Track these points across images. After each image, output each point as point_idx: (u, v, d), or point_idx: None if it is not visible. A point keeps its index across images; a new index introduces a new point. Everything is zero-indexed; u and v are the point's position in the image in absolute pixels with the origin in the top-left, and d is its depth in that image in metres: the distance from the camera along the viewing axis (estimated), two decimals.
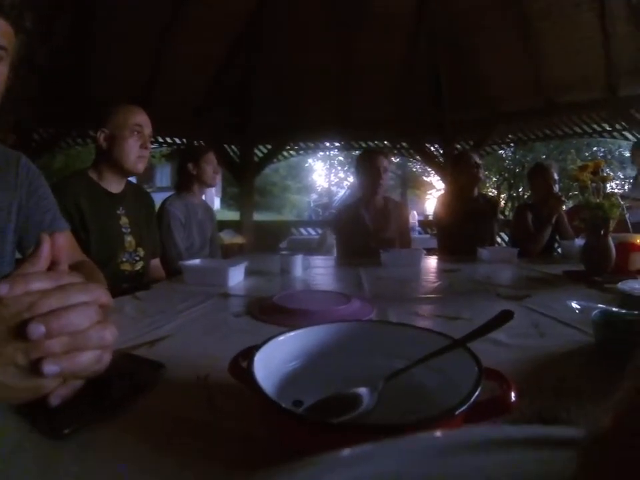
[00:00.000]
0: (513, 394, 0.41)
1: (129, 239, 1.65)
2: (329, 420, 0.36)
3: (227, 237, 4.92)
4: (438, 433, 0.19)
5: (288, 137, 5.55)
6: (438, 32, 4.41)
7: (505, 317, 0.59)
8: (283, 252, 1.85)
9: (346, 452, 0.17)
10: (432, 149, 5.34)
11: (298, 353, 0.56)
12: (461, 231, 2.47)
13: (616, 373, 0.17)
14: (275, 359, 0.52)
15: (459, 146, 5.15)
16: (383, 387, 0.46)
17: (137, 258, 1.68)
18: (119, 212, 1.64)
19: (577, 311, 0.86)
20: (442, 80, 4.66)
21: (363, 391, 0.45)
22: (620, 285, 0.84)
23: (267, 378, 0.48)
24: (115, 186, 1.65)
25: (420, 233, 4.46)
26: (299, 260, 1.71)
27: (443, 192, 2.87)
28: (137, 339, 0.80)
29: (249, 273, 1.59)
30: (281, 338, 0.54)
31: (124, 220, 1.65)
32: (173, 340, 0.81)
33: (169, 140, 5.45)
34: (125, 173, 1.64)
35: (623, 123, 4.49)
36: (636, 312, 0.73)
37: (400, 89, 4.79)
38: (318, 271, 1.85)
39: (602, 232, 1.54)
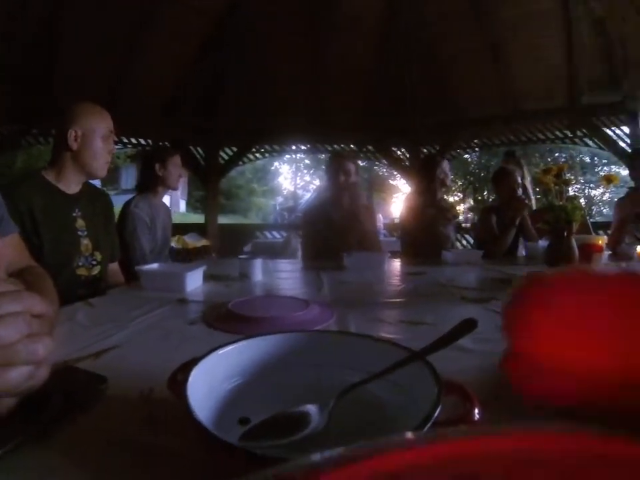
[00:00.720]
0: (476, 411, 0.38)
1: (85, 242, 1.54)
2: (255, 449, 0.32)
3: (192, 241, 4.78)
4: None
5: (254, 140, 5.46)
6: (408, 38, 4.43)
7: (468, 325, 0.54)
8: (243, 256, 1.78)
9: None
10: (398, 152, 5.36)
11: (245, 365, 0.52)
12: (425, 233, 2.46)
13: None
14: (219, 373, 0.49)
15: (425, 150, 5.20)
16: (334, 404, 0.43)
17: (94, 262, 1.57)
18: (74, 214, 1.53)
19: None
20: (409, 85, 4.69)
21: (312, 408, 0.42)
22: None
23: (209, 393, 0.46)
24: (72, 187, 1.54)
25: (385, 236, 4.46)
26: (258, 264, 1.64)
27: (408, 195, 2.86)
28: (84, 350, 0.74)
29: (208, 277, 1.54)
30: (223, 350, 0.50)
31: (80, 222, 1.54)
32: (121, 351, 0.76)
33: (134, 140, 5.26)
34: (89, 176, 1.57)
35: (584, 130, 4.64)
36: None
37: (368, 93, 4.80)
38: (279, 275, 1.78)
39: (565, 234, 1.54)
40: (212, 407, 0.46)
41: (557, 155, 13.55)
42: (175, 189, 2.39)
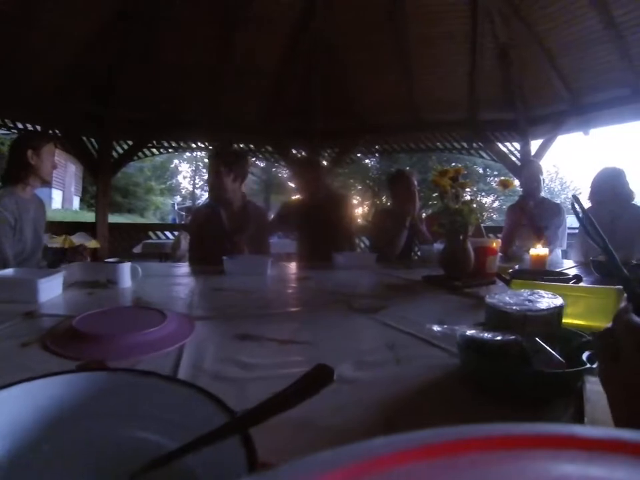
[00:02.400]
0: None
1: None
2: None
3: (80, 241, 4.23)
4: None
5: (151, 134, 4.98)
6: (318, 43, 4.34)
7: (320, 379, 0.36)
8: (110, 259, 1.51)
9: None
10: (298, 155, 5.22)
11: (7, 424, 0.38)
12: (315, 234, 2.34)
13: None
14: None
15: (326, 153, 5.17)
16: None
17: None
18: None
19: (439, 334, 0.68)
20: (313, 88, 4.59)
21: None
22: (488, 299, 0.67)
23: None
24: None
25: (280, 237, 4.32)
26: (126, 269, 1.40)
27: (294, 196, 2.76)
28: None
29: (72, 284, 1.36)
30: None
31: None
32: None
33: (20, 125, 4.46)
34: None
35: (480, 143, 4.92)
36: (503, 334, 0.57)
37: (271, 94, 4.63)
38: (151, 281, 1.49)
39: (461, 237, 1.47)
40: None
41: (453, 164, 14.53)
42: (48, 182, 2.08)
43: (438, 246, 2.13)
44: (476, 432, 0.13)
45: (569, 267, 2.09)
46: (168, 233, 5.21)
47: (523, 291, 0.70)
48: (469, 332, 0.58)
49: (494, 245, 1.68)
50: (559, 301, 0.62)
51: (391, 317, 0.95)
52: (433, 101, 4.55)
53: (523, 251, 2.26)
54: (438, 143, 5.12)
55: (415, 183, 2.51)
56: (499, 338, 0.55)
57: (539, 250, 1.65)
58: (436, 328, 0.63)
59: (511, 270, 1.46)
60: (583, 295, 0.90)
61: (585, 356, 0.54)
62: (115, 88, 4.41)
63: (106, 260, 1.52)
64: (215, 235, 2.08)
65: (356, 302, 1.11)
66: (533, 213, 2.67)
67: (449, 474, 0.12)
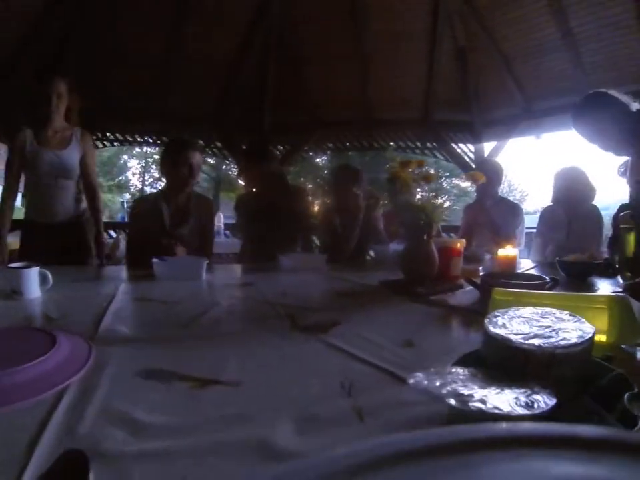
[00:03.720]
0: None
1: None
2: None
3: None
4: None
5: (96, 125, 4.48)
6: (273, 37, 4.12)
7: None
8: (15, 264, 1.20)
9: None
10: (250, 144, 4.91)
11: None
12: (266, 231, 2.11)
13: None
14: None
15: (279, 150, 4.89)
16: None
17: None
18: None
19: (420, 389, 0.46)
20: (267, 83, 4.35)
21: None
22: (490, 328, 0.45)
23: None
24: None
25: (227, 237, 4.05)
26: (33, 276, 1.13)
27: (241, 191, 2.51)
28: None
29: None
30: None
31: None
32: None
33: None
34: None
35: (434, 143, 4.87)
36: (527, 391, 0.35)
37: (224, 87, 4.33)
38: (65, 290, 1.18)
39: (425, 236, 1.29)
40: None
41: None
42: None
43: (394, 246, 1.96)
44: (476, 432, 0.13)
45: (529, 267, 1.97)
46: (112, 232, 4.73)
47: (528, 310, 0.51)
48: (475, 395, 0.36)
49: (459, 245, 1.52)
50: (588, 328, 0.43)
51: (345, 338, 0.74)
52: (388, 98, 4.44)
53: (483, 251, 2.14)
54: (391, 142, 4.94)
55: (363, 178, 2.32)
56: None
57: (507, 251, 1.50)
58: (412, 381, 0.40)
59: (482, 273, 1.28)
60: (584, 304, 0.74)
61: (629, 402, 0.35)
62: (55, 70, 3.95)
63: (10, 265, 1.20)
64: (154, 231, 1.79)
65: (302, 317, 0.89)
66: (491, 212, 2.57)
67: (450, 474, 0.12)
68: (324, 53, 4.16)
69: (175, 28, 3.89)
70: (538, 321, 0.47)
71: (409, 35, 3.97)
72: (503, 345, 0.43)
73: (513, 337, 0.42)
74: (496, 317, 0.50)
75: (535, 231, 2.66)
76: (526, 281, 1.13)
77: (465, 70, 4.11)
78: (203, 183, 14.62)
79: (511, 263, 1.49)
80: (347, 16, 3.88)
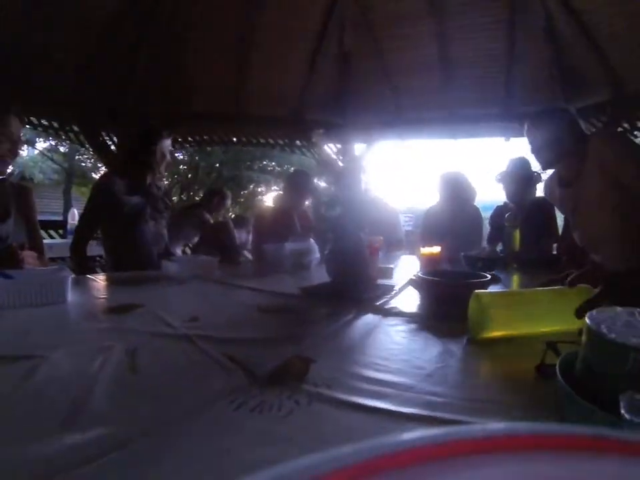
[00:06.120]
0: None
1: None
2: None
3: None
4: None
5: None
6: (145, 16, 3.56)
7: None
8: None
9: None
10: (107, 138, 4.17)
11: None
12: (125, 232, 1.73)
13: None
14: None
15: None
16: None
17: None
18: None
19: None
20: (138, 68, 3.76)
21: None
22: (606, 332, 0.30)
23: None
24: None
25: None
26: None
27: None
28: None
29: None
30: None
31: None
32: None
33: None
34: None
35: (304, 142, 4.80)
36: None
37: (88, 69, 3.58)
38: None
39: (361, 234, 1.08)
40: None
41: (264, 162, 14.00)
42: None
43: (292, 245, 1.76)
44: (478, 432, 0.13)
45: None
46: None
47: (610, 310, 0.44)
48: None
49: (378, 243, 1.38)
50: None
51: (345, 388, 0.47)
52: (265, 94, 4.21)
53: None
54: (260, 138, 4.80)
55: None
56: None
57: (432, 249, 1.39)
58: None
59: (417, 273, 1.12)
60: (557, 298, 0.76)
61: None
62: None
63: None
64: None
65: (250, 359, 0.57)
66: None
67: (450, 475, 0.12)
68: (200, 38, 3.77)
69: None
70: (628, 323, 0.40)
71: (298, 32, 3.84)
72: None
73: None
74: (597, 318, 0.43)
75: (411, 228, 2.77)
76: (464, 278, 1.02)
77: (345, 74, 4.14)
78: (51, 174, 11.99)
79: (436, 260, 1.38)
80: (240, 3, 3.61)
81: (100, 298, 1.08)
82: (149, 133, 1.91)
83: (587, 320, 0.43)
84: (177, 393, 0.49)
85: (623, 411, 0.32)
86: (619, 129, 3.39)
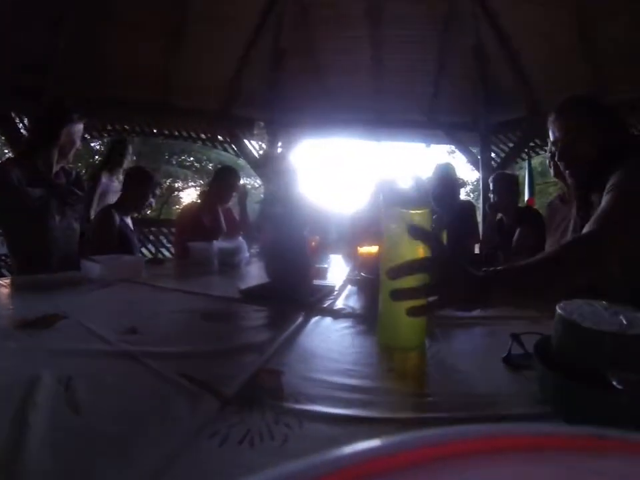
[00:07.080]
0: None
1: None
2: None
3: None
4: None
5: None
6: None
7: None
8: None
9: None
10: (17, 120, 3.67)
11: None
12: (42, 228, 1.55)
13: None
14: None
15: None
16: None
17: None
18: None
19: None
20: (60, 53, 3.41)
21: None
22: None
23: None
24: None
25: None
26: None
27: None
28: None
29: None
30: None
31: None
32: None
33: None
34: None
35: (227, 137, 4.67)
36: None
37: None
38: None
39: (304, 231, 1.04)
40: None
41: (183, 157, 13.22)
42: None
43: (220, 244, 1.69)
44: (478, 433, 0.13)
45: None
46: None
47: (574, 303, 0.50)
48: None
49: (315, 243, 1.34)
50: None
51: (325, 401, 0.44)
52: (193, 85, 4.00)
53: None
54: (184, 132, 4.58)
55: None
56: None
57: (370, 248, 1.38)
58: None
59: (362, 274, 1.10)
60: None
61: None
62: None
63: None
64: None
65: (213, 377, 0.50)
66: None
67: (450, 475, 0.12)
68: (134, 21, 3.50)
69: None
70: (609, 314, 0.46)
71: (233, 23, 3.66)
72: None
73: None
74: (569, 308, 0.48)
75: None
76: None
77: (277, 70, 4.06)
78: None
79: (374, 259, 1.37)
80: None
81: (9, 309, 0.91)
82: (53, 113, 1.70)
83: (559, 311, 0.48)
84: (141, 434, 0.39)
85: (615, 384, 0.38)
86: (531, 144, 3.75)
